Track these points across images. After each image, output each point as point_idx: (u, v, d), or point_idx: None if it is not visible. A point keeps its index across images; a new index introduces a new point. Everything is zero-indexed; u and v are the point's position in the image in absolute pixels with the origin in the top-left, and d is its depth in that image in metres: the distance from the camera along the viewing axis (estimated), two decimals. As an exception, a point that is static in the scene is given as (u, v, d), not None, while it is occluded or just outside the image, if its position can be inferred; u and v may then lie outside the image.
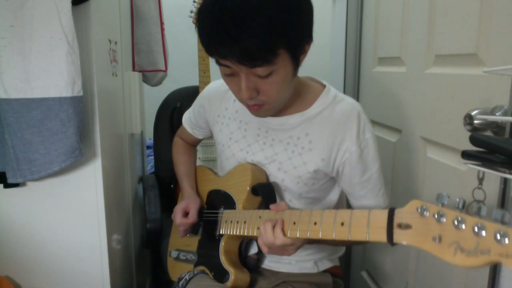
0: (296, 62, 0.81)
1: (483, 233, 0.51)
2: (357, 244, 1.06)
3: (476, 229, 0.52)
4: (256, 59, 0.75)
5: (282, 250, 0.82)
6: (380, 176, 0.94)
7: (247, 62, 0.75)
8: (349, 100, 0.95)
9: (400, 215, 0.62)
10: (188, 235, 1.09)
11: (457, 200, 0.56)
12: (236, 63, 0.76)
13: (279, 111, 0.94)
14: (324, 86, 0.97)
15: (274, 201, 0.96)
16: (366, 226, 0.66)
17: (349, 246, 1.61)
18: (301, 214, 0.78)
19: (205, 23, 0.76)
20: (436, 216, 0.57)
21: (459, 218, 0.54)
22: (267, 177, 0.98)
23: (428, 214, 0.58)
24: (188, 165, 1.19)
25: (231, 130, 1.03)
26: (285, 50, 0.77)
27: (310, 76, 1.00)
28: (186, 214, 1.06)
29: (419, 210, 0.59)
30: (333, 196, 1.01)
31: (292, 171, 0.95)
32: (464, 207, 0.55)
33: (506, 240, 0.49)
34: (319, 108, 0.93)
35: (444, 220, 0.56)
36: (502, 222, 0.51)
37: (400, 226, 0.61)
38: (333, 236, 0.71)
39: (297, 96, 0.94)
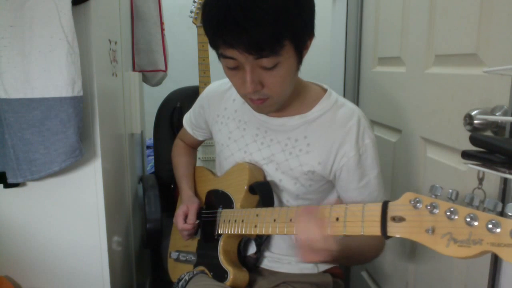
0: (299, 55, 0.82)
1: (476, 223, 0.51)
2: (360, 257, 0.98)
3: (468, 219, 0.52)
4: (263, 49, 0.75)
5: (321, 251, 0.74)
6: (379, 183, 0.94)
7: (254, 52, 0.75)
8: (350, 105, 0.95)
9: (394, 208, 0.62)
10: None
11: (450, 191, 0.56)
12: (244, 53, 0.76)
13: (279, 111, 0.94)
14: (325, 90, 0.97)
15: (271, 199, 0.96)
16: (360, 220, 0.67)
17: (352, 264, 1.54)
18: (297, 211, 0.78)
19: (212, 13, 0.76)
20: (429, 208, 0.57)
21: (452, 209, 0.54)
22: (264, 176, 0.98)
23: (421, 206, 0.58)
24: (187, 167, 1.19)
25: (230, 130, 1.03)
26: (290, 42, 0.77)
27: (310, 80, 1.00)
28: (186, 217, 1.06)
29: (412, 202, 0.59)
30: (331, 199, 1.01)
31: (289, 172, 0.95)
32: (457, 198, 0.56)
33: (498, 230, 0.49)
34: (320, 112, 0.93)
35: (437, 211, 0.56)
36: (495, 212, 0.51)
37: (394, 219, 0.62)
38: (328, 231, 0.71)
39: (297, 97, 0.94)
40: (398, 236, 0.61)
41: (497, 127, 0.74)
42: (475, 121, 0.75)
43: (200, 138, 1.20)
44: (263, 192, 0.95)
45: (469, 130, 0.76)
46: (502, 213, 0.51)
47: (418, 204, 0.58)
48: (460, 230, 0.53)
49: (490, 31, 0.82)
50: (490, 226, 0.50)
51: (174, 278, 1.13)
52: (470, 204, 0.53)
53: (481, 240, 0.50)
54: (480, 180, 0.63)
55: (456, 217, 0.53)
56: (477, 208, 0.53)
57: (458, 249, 0.52)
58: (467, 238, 0.52)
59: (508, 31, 0.77)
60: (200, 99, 1.12)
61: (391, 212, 0.62)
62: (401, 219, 0.60)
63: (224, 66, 0.83)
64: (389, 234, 0.62)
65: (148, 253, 1.82)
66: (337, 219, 0.70)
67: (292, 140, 0.94)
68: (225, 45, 0.77)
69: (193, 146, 1.27)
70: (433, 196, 0.58)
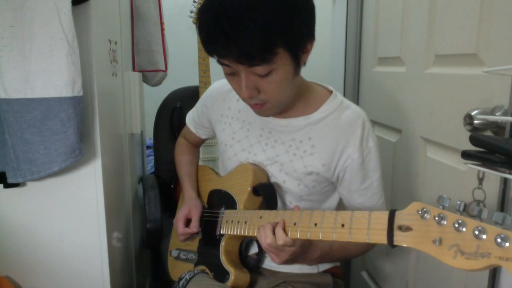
0: (296, 61, 0.81)
1: (484, 236, 0.51)
2: (357, 254, 1.06)
3: (476, 232, 0.52)
4: (253, 59, 0.75)
5: (280, 251, 0.81)
6: (380, 185, 0.94)
7: (245, 62, 0.76)
8: (355, 108, 0.95)
9: (401, 217, 0.62)
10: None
11: (458, 202, 0.56)
12: (235, 63, 0.77)
13: (284, 112, 0.94)
14: (331, 92, 0.97)
15: (275, 201, 0.96)
16: (366, 228, 0.66)
17: (349, 258, 1.60)
18: (301, 215, 0.78)
19: (203, 23, 0.77)
20: (436, 219, 0.57)
21: (460, 221, 0.54)
22: (268, 177, 0.98)
23: (428, 216, 0.58)
24: (190, 165, 1.19)
25: (233, 130, 1.03)
26: (284, 49, 0.77)
27: (315, 81, 1.00)
28: (188, 220, 1.06)
29: (420, 212, 0.59)
30: (334, 200, 1.01)
31: (293, 173, 0.95)
32: (465, 210, 0.55)
33: (507, 244, 0.49)
34: (325, 113, 0.93)
35: (445, 222, 0.56)
36: (503, 225, 0.51)
37: (400, 228, 0.61)
38: (333, 237, 0.71)
39: (302, 98, 0.94)
40: (404, 245, 0.61)
41: (497, 127, 0.74)
42: (475, 121, 0.75)
43: (203, 137, 1.20)
44: (267, 194, 0.95)
45: (469, 130, 0.76)
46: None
47: (425, 215, 0.58)
48: (467, 243, 0.53)
49: (490, 31, 0.82)
50: (499, 240, 0.49)
51: (174, 277, 1.13)
52: (478, 216, 0.53)
53: (489, 254, 0.50)
54: (480, 180, 0.63)
55: (464, 229, 0.53)
56: (485, 220, 0.52)
57: (465, 262, 0.52)
58: (474, 251, 0.52)
59: (508, 31, 0.76)
60: (204, 97, 1.12)
61: (398, 221, 0.62)
62: (408, 229, 0.60)
63: (223, 71, 0.84)
64: (395, 243, 0.62)
65: (148, 253, 1.82)
66: (343, 225, 0.70)
67: (297, 141, 0.94)
68: (217, 55, 0.78)
69: (196, 144, 1.26)
70: (441, 206, 0.57)
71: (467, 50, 0.89)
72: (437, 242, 0.56)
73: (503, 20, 0.78)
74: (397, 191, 1.28)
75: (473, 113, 0.76)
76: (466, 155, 0.65)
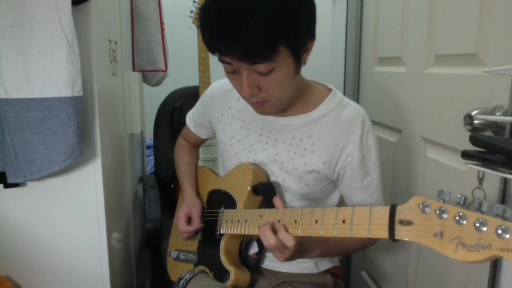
0: (297, 59, 0.82)
1: (485, 228, 0.52)
2: (358, 250, 1.07)
3: (477, 224, 0.52)
4: (255, 56, 0.75)
5: (283, 249, 0.81)
6: (380, 183, 0.95)
7: (246, 59, 0.76)
8: (355, 106, 0.95)
9: (402, 212, 0.62)
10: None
11: (458, 196, 0.56)
12: (236, 60, 0.77)
13: (283, 111, 0.94)
14: (330, 89, 0.97)
15: None
16: (367, 223, 0.67)
17: (350, 252, 1.60)
18: (302, 213, 0.78)
19: (206, 20, 0.77)
20: (437, 212, 0.57)
21: (461, 214, 0.54)
22: (268, 176, 0.98)
23: (429, 210, 0.58)
24: (189, 166, 1.19)
25: (233, 129, 1.03)
26: (286, 48, 0.77)
27: (314, 80, 1.00)
28: (188, 219, 1.06)
29: (421, 206, 0.59)
30: (334, 199, 1.01)
31: (294, 172, 0.95)
32: (465, 203, 0.56)
33: (507, 235, 0.49)
34: (324, 111, 0.93)
35: (446, 216, 0.56)
36: (503, 217, 0.51)
37: (401, 222, 0.62)
38: (335, 233, 0.71)
39: (302, 97, 0.94)
40: (406, 239, 0.61)
41: (497, 127, 0.74)
42: (475, 121, 0.75)
43: (203, 137, 1.20)
44: (267, 193, 0.95)
45: (469, 130, 0.76)
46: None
47: (426, 209, 0.58)
48: (469, 235, 0.53)
49: (490, 31, 0.82)
50: (499, 231, 0.50)
51: (173, 277, 1.13)
52: (478, 209, 0.53)
53: (490, 245, 0.51)
54: (480, 180, 0.63)
55: (465, 222, 0.54)
56: (486, 213, 0.53)
57: (466, 254, 0.53)
58: (476, 243, 0.52)
59: (508, 31, 0.77)
60: (204, 97, 1.12)
61: (399, 216, 0.62)
62: (409, 223, 0.61)
63: (224, 69, 0.84)
64: (397, 237, 0.62)
65: (148, 253, 1.82)
66: (344, 221, 0.70)
67: (297, 139, 0.94)
68: (219, 52, 0.78)
69: (196, 144, 1.27)
70: (441, 200, 0.58)
71: (467, 50, 0.89)
72: (438, 236, 0.56)
73: (503, 20, 0.78)
74: (397, 191, 1.28)
75: (473, 113, 0.76)
76: (466, 155, 0.65)
